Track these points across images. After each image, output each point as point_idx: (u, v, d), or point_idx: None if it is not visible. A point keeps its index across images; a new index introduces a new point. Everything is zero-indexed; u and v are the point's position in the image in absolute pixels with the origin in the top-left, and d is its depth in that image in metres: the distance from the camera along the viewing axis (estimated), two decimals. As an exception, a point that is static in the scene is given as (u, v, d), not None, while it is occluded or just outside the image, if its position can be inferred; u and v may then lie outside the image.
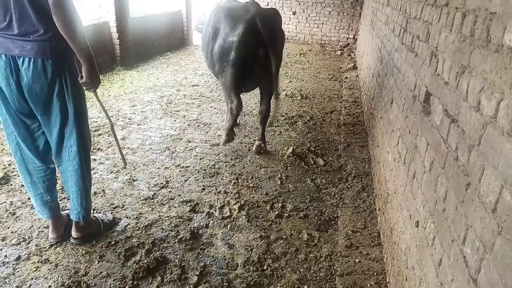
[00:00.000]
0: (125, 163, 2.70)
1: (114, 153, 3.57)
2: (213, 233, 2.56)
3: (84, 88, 2.10)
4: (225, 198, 2.97)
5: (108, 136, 3.92)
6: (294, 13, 10.75)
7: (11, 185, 2.94)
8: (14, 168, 3.14)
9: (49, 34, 1.90)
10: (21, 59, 1.91)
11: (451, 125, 1.53)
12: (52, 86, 1.99)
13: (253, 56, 3.36)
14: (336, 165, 3.62)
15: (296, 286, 2.16)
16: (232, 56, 3.37)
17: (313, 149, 3.93)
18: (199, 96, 5.51)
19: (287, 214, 2.83)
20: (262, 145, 3.83)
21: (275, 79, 3.47)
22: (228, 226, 2.64)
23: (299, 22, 10.78)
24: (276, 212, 2.84)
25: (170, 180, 3.19)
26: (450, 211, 1.43)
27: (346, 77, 7.10)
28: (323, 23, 10.57)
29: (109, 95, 5.20)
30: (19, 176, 3.01)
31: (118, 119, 4.42)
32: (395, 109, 2.78)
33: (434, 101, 1.82)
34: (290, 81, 6.71)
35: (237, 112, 3.60)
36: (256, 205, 2.92)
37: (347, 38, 10.41)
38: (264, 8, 3.57)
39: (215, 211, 2.81)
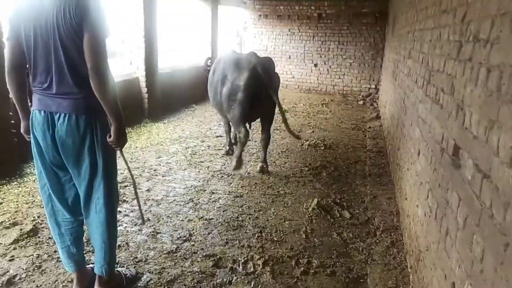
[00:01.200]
0: (143, 221, 2.76)
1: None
2: (236, 290, 2.48)
3: (112, 146, 2.17)
4: (248, 253, 2.91)
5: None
6: (315, 65, 11.06)
7: (38, 237, 2.99)
8: (42, 221, 3.21)
9: (83, 94, 2.04)
10: (58, 114, 2.04)
11: (484, 180, 1.49)
12: (84, 140, 2.09)
13: (256, 96, 4.22)
14: (363, 218, 3.52)
15: None
16: (239, 96, 4.22)
17: (338, 201, 3.86)
18: (223, 146, 5.59)
19: (313, 271, 2.73)
20: (265, 166, 4.64)
21: (280, 107, 4.40)
22: (252, 283, 2.56)
23: (320, 73, 11.06)
24: (302, 268, 2.74)
25: (193, 233, 3.17)
26: (488, 273, 1.35)
27: (370, 127, 7.09)
28: (344, 74, 10.80)
29: (136, 147, 5.36)
30: (47, 228, 3.06)
31: (144, 170, 4.52)
32: (422, 161, 2.73)
33: (464, 155, 1.78)
34: (313, 131, 6.76)
35: (245, 140, 4.39)
36: (281, 260, 2.84)
37: (369, 88, 10.53)
38: (262, 58, 4.51)
39: (239, 266, 2.74)
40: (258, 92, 4.23)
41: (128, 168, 2.42)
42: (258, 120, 4.83)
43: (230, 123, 4.85)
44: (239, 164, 4.50)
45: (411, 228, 2.81)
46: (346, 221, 3.48)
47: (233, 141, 5.35)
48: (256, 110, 4.39)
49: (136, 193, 2.48)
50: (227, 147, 5.30)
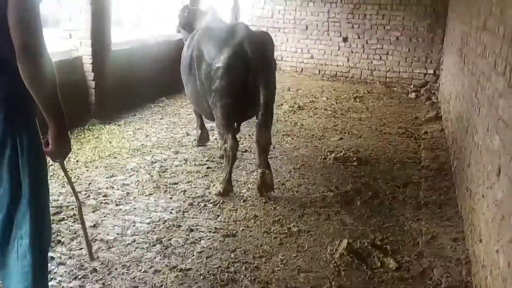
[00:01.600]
0: (91, 258, 2.81)
1: (81, 248, 3.59)
2: None
3: (49, 158, 2.21)
4: (245, 322, 2.90)
5: (74, 221, 3.98)
6: (345, 40, 11.13)
7: None
8: None
9: (3, 82, 2.04)
10: None
11: None
12: (2, 149, 2.09)
13: (242, 84, 4.42)
14: (416, 270, 3.52)
15: None
16: (218, 84, 4.45)
17: (379, 243, 3.86)
18: (208, 160, 5.60)
19: None
20: (267, 172, 4.53)
21: (269, 113, 4.56)
22: None
23: (352, 52, 11.14)
24: None
25: (162, 291, 3.17)
26: None
27: (426, 132, 7.11)
28: (388, 53, 10.85)
29: (78, 161, 5.36)
30: None
31: (88, 196, 4.51)
32: (504, 184, 2.73)
33: None
34: (341, 138, 6.78)
35: (233, 153, 4.58)
36: (294, 333, 2.83)
37: (425, 75, 10.57)
38: (254, 31, 4.75)
39: None
40: (246, 79, 4.44)
41: (71, 184, 2.56)
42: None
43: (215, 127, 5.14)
44: (228, 188, 4.66)
45: (489, 284, 2.80)
46: (390, 273, 3.47)
47: (219, 155, 5.51)
48: (246, 104, 4.59)
49: (81, 218, 2.64)
50: (199, 131, 5.97)
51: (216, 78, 4.47)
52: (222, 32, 4.72)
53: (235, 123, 4.89)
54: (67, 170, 4.83)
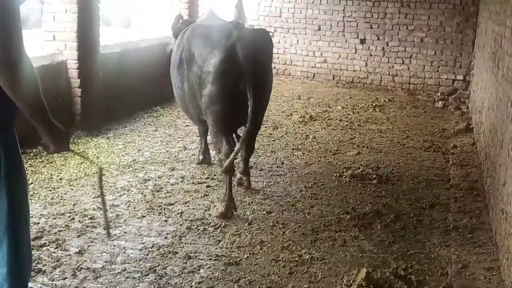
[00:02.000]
0: (109, 235, 3.26)
1: (65, 278, 3.58)
2: None
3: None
4: None
5: (56, 247, 3.97)
6: (362, 42, 11.14)
7: None
8: None
9: None
10: None
11: None
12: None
13: (235, 90, 4.59)
14: (444, 303, 3.51)
15: None
16: (208, 90, 4.62)
17: (402, 272, 3.82)
18: (208, 178, 5.60)
19: None
20: (245, 178, 5.33)
21: (257, 122, 4.84)
22: None
23: (370, 55, 11.14)
24: None
25: (156, 326, 3.17)
26: None
27: (455, 146, 7.11)
28: (411, 57, 10.85)
29: (61, 179, 5.36)
30: None
31: (73, 218, 4.51)
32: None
33: None
34: (359, 153, 6.78)
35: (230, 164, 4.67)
36: None
37: (454, 81, 10.56)
38: (250, 30, 5.01)
39: None
40: (238, 84, 4.60)
41: (82, 156, 2.82)
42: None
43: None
44: (230, 206, 4.67)
45: (528, 321, 2.79)
46: (416, 307, 3.46)
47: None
48: (240, 111, 4.67)
49: (101, 185, 2.85)
50: (200, 156, 6.01)
51: (207, 83, 4.62)
52: (214, 31, 4.81)
53: (231, 132, 4.98)
54: (45, 191, 4.92)
